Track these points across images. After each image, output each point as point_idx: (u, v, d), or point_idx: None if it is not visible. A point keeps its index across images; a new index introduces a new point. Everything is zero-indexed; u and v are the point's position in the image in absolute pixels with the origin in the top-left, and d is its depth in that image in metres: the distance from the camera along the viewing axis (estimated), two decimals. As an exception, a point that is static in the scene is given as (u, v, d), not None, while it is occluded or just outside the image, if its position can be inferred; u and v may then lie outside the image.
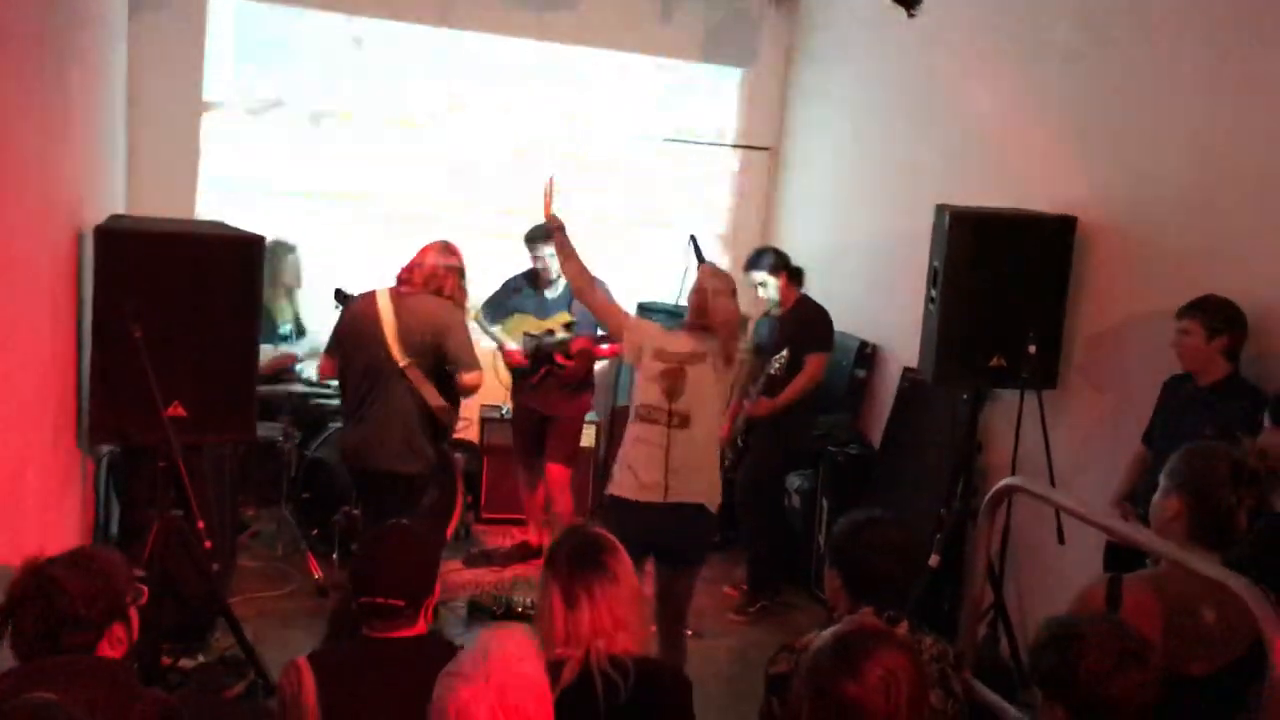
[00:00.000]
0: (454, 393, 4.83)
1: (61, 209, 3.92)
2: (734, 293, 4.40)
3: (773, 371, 5.43)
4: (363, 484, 4.96)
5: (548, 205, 4.73)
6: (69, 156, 4.10)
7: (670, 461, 4.21)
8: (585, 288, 4.65)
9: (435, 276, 4.69)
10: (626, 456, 4.34)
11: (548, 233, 5.31)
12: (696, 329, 4.35)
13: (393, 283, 4.74)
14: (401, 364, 4.62)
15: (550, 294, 5.96)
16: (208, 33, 6.62)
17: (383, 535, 2.86)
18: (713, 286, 4.35)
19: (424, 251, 4.77)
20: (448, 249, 4.80)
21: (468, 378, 4.73)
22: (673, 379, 4.25)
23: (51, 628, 2.25)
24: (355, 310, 4.80)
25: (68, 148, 4.05)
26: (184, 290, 3.95)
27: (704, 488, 4.32)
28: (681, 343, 4.34)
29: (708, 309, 4.31)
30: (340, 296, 5.20)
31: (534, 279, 5.99)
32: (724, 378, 4.41)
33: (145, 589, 2.44)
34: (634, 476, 4.27)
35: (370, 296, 4.75)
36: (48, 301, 3.63)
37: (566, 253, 4.64)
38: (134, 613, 2.40)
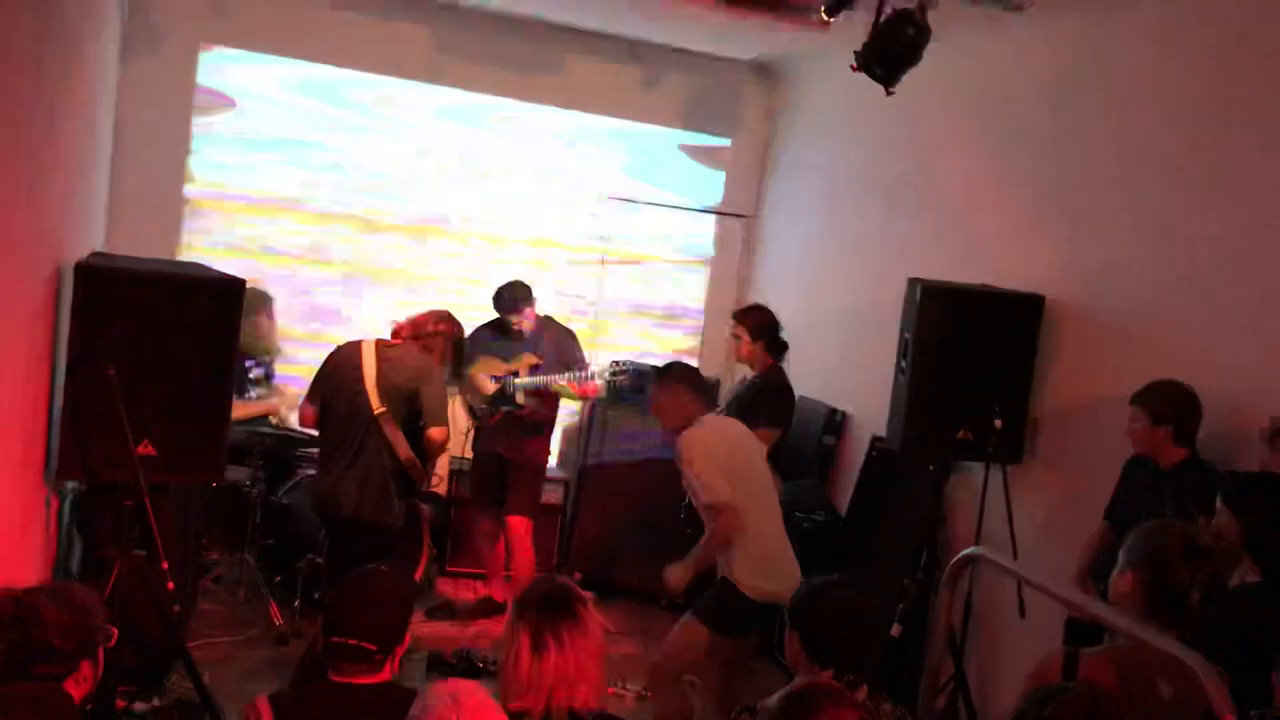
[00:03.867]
0: (421, 449, 4.85)
1: (43, 243, 3.93)
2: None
3: None
4: (332, 531, 4.96)
5: None
6: (54, 191, 4.12)
7: None
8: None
9: (425, 335, 4.81)
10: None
11: (517, 302, 5.66)
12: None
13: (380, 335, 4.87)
14: (376, 411, 4.66)
15: (518, 340, 6.00)
16: (196, 81, 6.70)
17: (364, 578, 2.86)
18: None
19: (425, 314, 4.93)
20: (449, 318, 4.95)
21: (434, 431, 4.76)
22: None
23: (25, 656, 2.24)
24: (338, 357, 4.86)
25: (54, 183, 4.08)
26: (161, 330, 3.95)
27: None
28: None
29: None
30: None
31: (502, 329, 6.00)
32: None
33: (115, 630, 2.43)
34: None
35: (355, 345, 4.82)
36: (24, 334, 3.63)
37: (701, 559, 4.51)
38: (101, 654, 2.40)
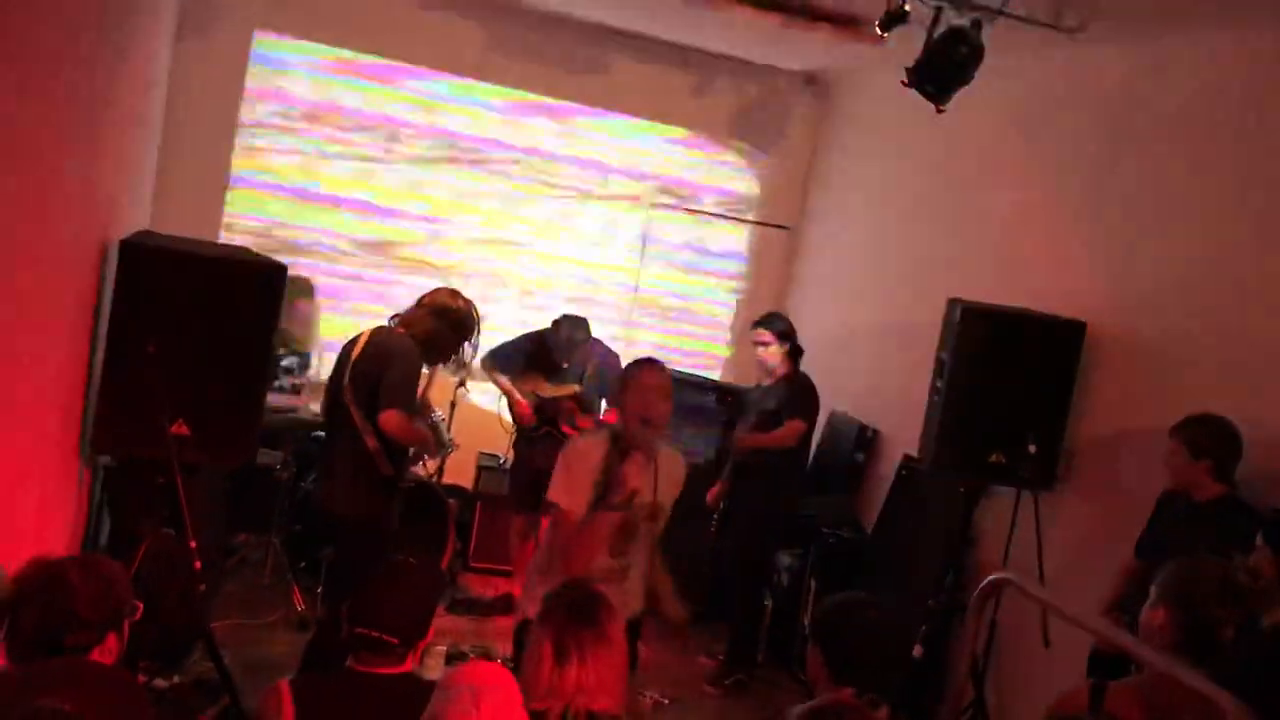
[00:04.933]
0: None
1: (91, 219, 3.97)
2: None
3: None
4: (326, 527, 4.90)
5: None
6: (105, 167, 4.16)
7: None
8: None
9: (417, 319, 4.51)
10: None
11: (574, 341, 5.68)
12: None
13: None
14: (347, 400, 4.40)
15: (564, 367, 6.03)
16: (249, 68, 6.76)
17: (393, 570, 2.88)
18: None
19: (430, 293, 4.65)
20: (453, 294, 4.63)
21: (381, 417, 4.31)
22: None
23: (54, 626, 2.26)
24: (345, 346, 4.66)
25: (105, 159, 4.12)
26: (202, 311, 3.98)
27: None
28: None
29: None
30: None
31: (547, 350, 6.00)
32: None
33: (140, 604, 2.45)
34: None
35: (360, 335, 4.60)
36: (67, 309, 3.68)
37: None
38: (126, 627, 2.42)
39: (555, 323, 5.94)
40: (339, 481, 4.49)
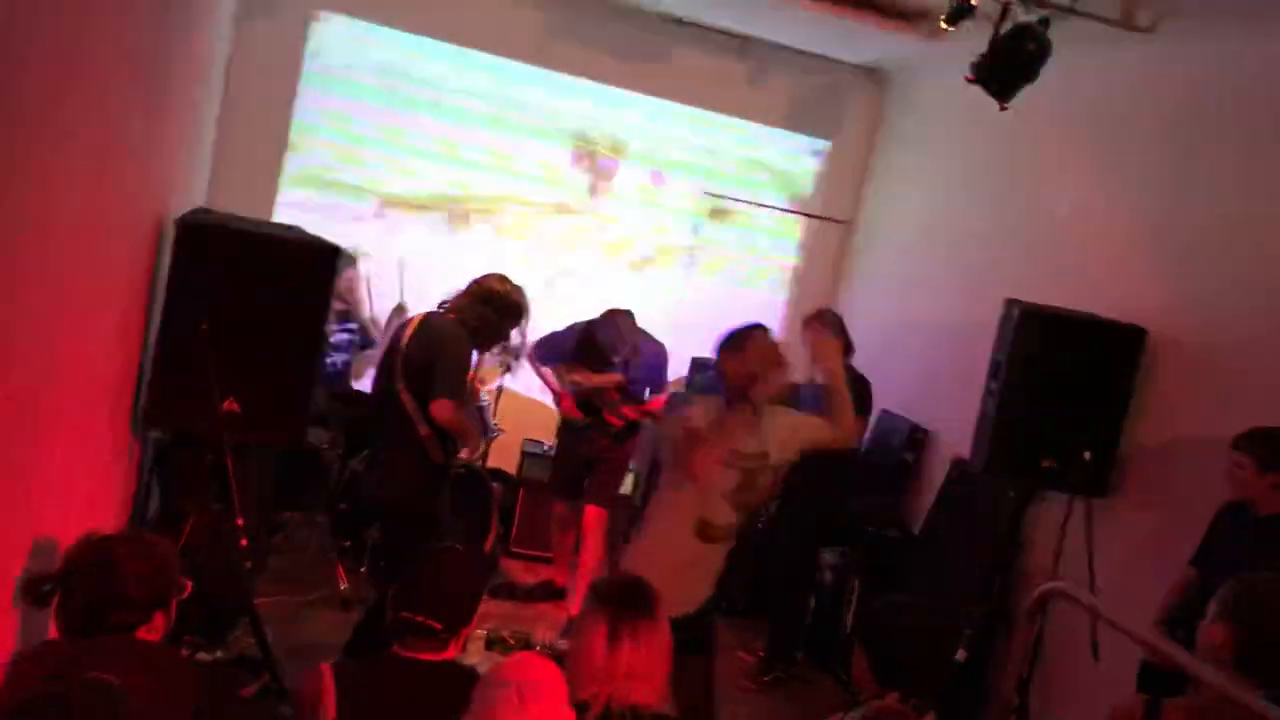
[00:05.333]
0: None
1: (150, 196, 4.01)
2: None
3: None
4: (373, 512, 4.92)
5: None
6: (165, 144, 4.20)
7: None
8: None
9: (466, 305, 4.47)
10: None
11: (620, 334, 5.62)
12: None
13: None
14: (399, 387, 4.38)
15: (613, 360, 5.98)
16: (306, 49, 6.79)
17: (440, 556, 2.88)
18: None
19: (479, 279, 4.59)
20: (501, 280, 4.58)
21: (433, 406, 4.29)
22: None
23: (101, 602, 2.27)
24: (395, 333, 4.67)
25: (165, 135, 4.15)
26: (256, 289, 4.01)
27: None
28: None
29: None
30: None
31: (594, 342, 5.93)
32: None
33: (189, 583, 2.45)
34: None
35: (409, 318, 4.64)
36: (124, 283, 3.70)
37: None
38: (174, 605, 2.43)
39: (602, 316, 5.89)
40: (390, 469, 4.49)
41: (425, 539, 4.27)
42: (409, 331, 4.46)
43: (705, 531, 3.78)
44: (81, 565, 2.29)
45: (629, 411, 5.88)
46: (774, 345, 3.90)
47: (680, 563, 3.73)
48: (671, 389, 5.96)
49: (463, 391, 4.46)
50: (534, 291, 4.80)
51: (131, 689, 1.64)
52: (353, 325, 6.48)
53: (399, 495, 4.47)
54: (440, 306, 4.57)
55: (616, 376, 5.89)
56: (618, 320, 5.85)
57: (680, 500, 3.81)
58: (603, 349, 5.88)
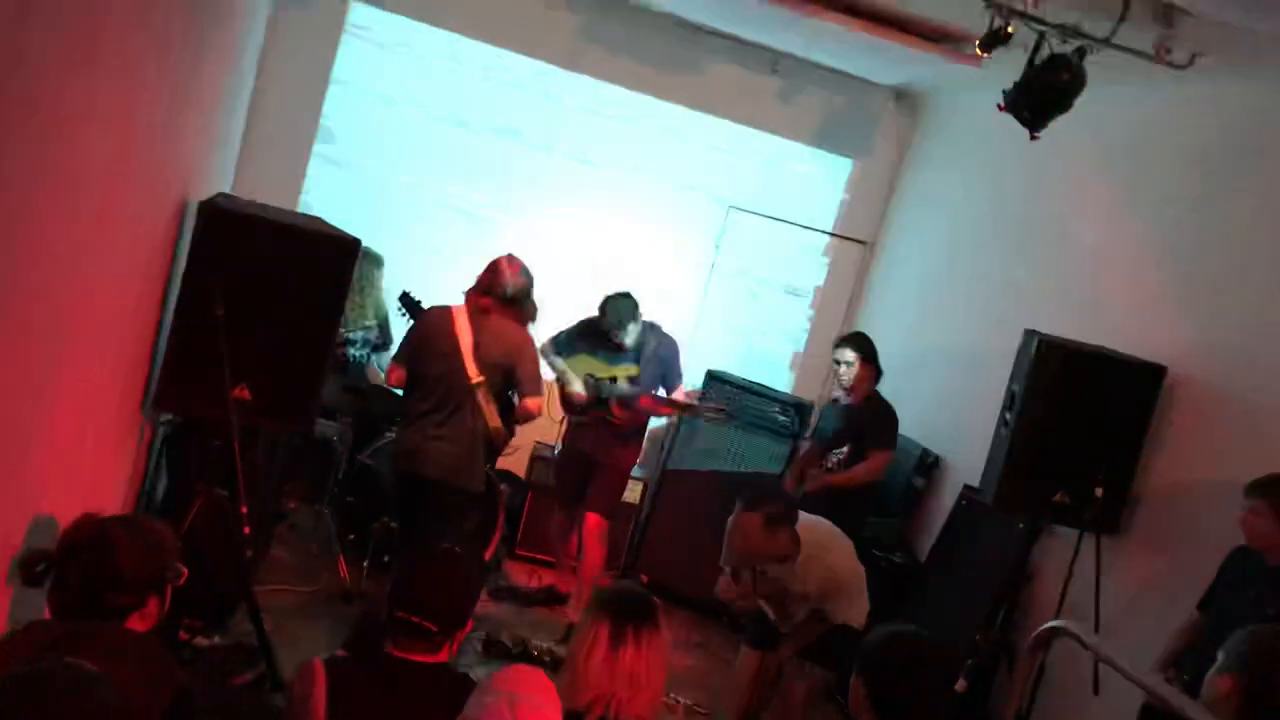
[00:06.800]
0: (510, 417, 4.98)
1: (175, 176, 4.01)
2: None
3: (830, 465, 5.35)
4: (409, 490, 4.95)
5: None
6: (191, 126, 4.20)
7: None
8: None
9: (504, 292, 4.82)
10: None
11: (623, 320, 5.60)
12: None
13: (462, 298, 4.90)
14: (474, 381, 4.75)
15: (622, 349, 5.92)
16: (342, 40, 6.80)
17: (435, 557, 2.86)
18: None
19: (495, 268, 4.87)
20: (512, 262, 4.90)
21: (531, 403, 4.87)
22: None
23: (96, 585, 2.25)
24: (431, 323, 4.90)
25: (192, 118, 4.15)
26: (273, 278, 4.01)
27: None
28: None
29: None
30: (407, 301, 5.29)
31: (604, 334, 5.85)
32: None
33: (185, 570, 2.44)
34: None
35: (446, 312, 4.87)
36: (142, 264, 3.70)
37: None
38: (169, 590, 2.41)
39: (602, 303, 5.84)
40: (461, 455, 4.80)
41: (450, 523, 4.78)
42: (468, 328, 4.78)
43: None
44: (78, 545, 2.28)
45: (645, 402, 5.81)
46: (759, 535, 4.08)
47: None
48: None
49: (543, 388, 4.97)
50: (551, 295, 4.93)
51: (113, 678, 1.62)
52: (371, 323, 6.48)
53: (464, 481, 4.82)
54: (480, 300, 4.83)
55: (630, 368, 5.84)
56: (617, 303, 5.77)
57: None
58: (610, 338, 5.82)
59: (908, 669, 2.75)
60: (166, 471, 4.79)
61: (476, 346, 4.78)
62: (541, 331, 5.44)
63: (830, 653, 4.23)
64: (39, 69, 2.02)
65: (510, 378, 4.86)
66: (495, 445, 5.02)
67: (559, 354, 5.97)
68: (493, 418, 4.85)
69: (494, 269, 4.88)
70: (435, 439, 4.80)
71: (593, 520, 5.85)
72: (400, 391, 5.13)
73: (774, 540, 4.09)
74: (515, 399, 5.00)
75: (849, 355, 5.62)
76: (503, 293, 4.82)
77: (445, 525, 4.76)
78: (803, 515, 4.22)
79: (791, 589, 4.21)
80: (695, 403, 6.21)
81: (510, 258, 4.92)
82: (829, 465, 5.33)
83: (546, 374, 5.87)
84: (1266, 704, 2.55)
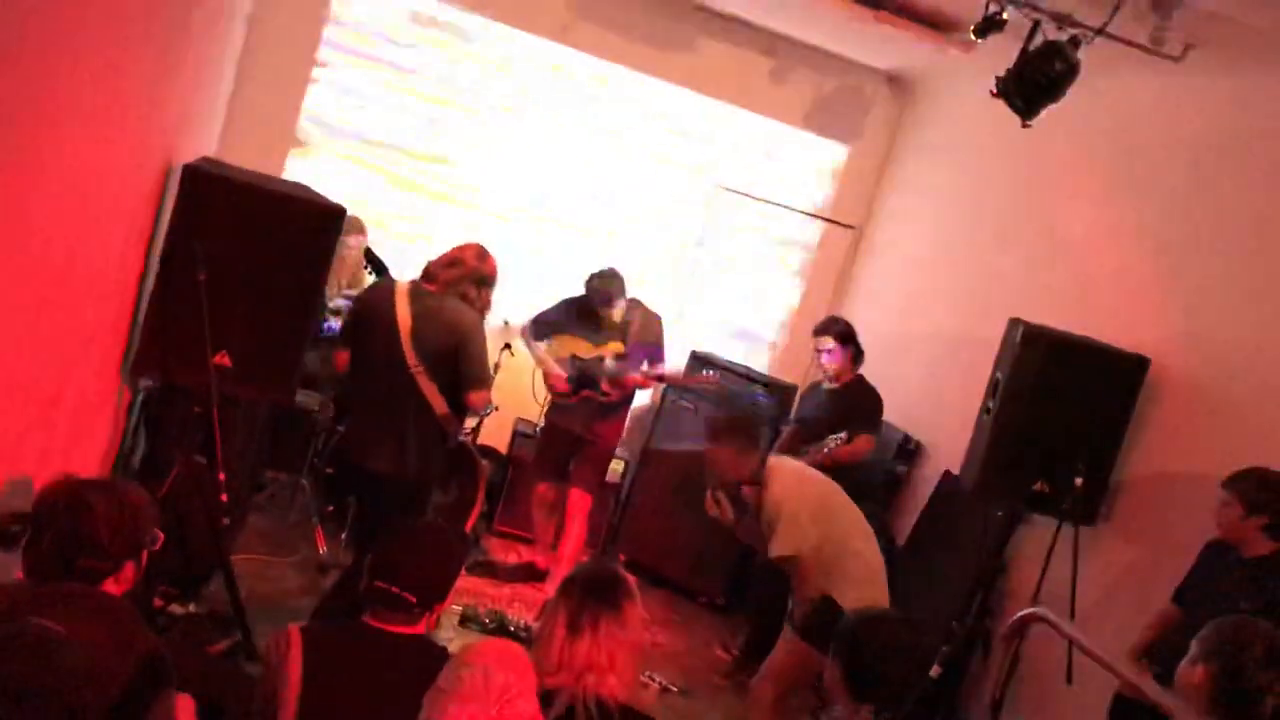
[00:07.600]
0: (460, 401, 4.47)
1: (158, 139, 3.96)
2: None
3: (828, 449, 5.32)
4: (358, 482, 4.69)
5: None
6: (176, 90, 4.15)
7: None
8: None
9: (461, 280, 4.36)
10: None
11: (610, 295, 5.57)
12: None
13: (416, 275, 4.47)
14: (412, 367, 4.30)
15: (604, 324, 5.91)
16: (331, 6, 6.74)
17: (419, 530, 2.85)
18: None
19: (460, 251, 4.44)
20: (482, 254, 4.46)
21: (473, 396, 4.38)
22: None
23: (71, 548, 2.23)
24: (369, 301, 4.51)
25: (177, 82, 4.10)
26: (256, 244, 3.97)
27: None
28: None
29: None
30: (371, 258, 5.23)
31: (589, 312, 5.84)
32: None
33: (161, 535, 2.42)
34: None
35: (387, 288, 4.44)
36: (124, 227, 3.66)
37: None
38: (145, 556, 2.39)
39: (588, 280, 5.79)
40: (410, 449, 4.35)
41: (418, 510, 4.43)
42: (406, 310, 4.30)
43: None
44: (54, 507, 2.25)
45: (632, 380, 5.81)
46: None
47: None
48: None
49: (490, 377, 4.60)
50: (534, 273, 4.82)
51: (78, 640, 1.60)
52: (351, 292, 6.42)
53: (412, 472, 4.38)
54: (427, 279, 4.40)
55: (616, 346, 5.83)
56: (602, 279, 5.75)
57: None
58: (594, 314, 5.80)
59: (886, 652, 2.76)
60: (145, 436, 4.75)
61: (414, 328, 4.28)
62: (514, 316, 5.38)
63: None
64: (24, 30, 1.98)
65: (454, 363, 4.31)
66: (447, 433, 4.48)
67: (542, 337, 5.94)
68: (439, 404, 4.35)
69: (456, 251, 4.46)
70: (381, 433, 4.36)
71: (577, 496, 5.86)
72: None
73: (743, 465, 4.45)
74: None
75: (826, 343, 5.65)
76: (455, 276, 4.36)
77: (407, 514, 4.28)
78: (803, 466, 4.67)
79: (762, 514, 4.46)
80: (685, 377, 6.23)
81: (480, 247, 4.50)
82: (826, 449, 5.32)
83: (536, 361, 5.89)
84: (1236, 693, 2.56)
